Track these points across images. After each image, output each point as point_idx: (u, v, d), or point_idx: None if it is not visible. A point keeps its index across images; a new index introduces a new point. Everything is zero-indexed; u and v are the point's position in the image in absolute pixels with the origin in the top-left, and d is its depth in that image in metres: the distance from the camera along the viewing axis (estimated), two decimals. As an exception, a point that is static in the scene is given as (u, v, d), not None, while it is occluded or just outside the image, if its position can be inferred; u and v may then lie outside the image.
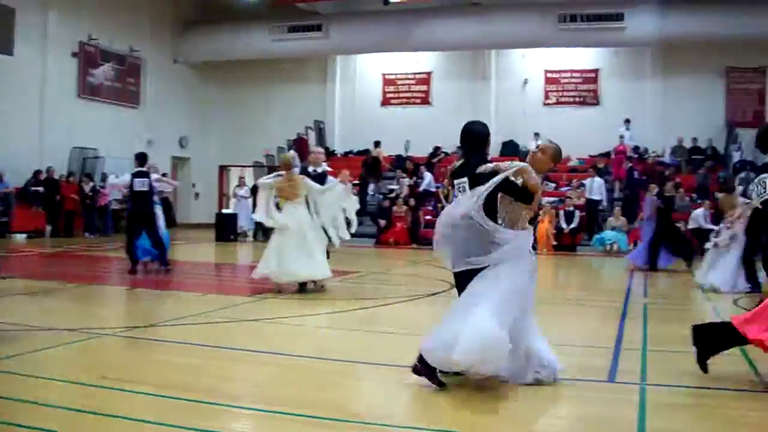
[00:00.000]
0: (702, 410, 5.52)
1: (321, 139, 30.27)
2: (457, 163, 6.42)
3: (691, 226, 21.66)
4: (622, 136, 26.43)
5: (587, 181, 24.27)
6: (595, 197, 23.75)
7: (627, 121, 26.41)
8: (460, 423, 5.23)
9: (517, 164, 6.04)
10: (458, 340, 5.58)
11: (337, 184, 11.70)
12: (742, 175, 24.00)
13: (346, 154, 29.72)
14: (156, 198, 14.36)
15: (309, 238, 11.20)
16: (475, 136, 6.33)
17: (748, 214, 12.30)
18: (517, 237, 6.00)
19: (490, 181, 5.84)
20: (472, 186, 6.00)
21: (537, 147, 6.46)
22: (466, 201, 5.91)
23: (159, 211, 14.42)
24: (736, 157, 25.24)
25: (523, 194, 5.99)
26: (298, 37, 28.58)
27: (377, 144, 28.25)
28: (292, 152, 17.83)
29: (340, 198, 11.70)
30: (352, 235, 11.95)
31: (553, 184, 25.70)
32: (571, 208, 22.65)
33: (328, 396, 5.78)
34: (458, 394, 5.80)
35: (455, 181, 6.24)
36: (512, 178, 5.95)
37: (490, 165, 6.01)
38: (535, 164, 6.22)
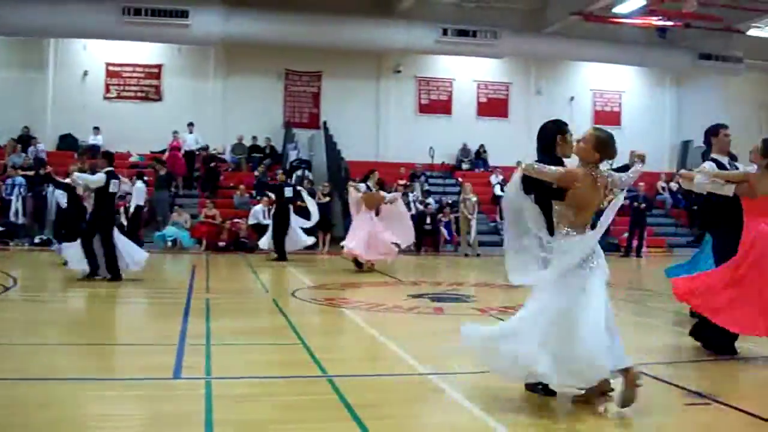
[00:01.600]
0: (261, 399, 5.73)
1: None
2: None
3: (251, 221, 22.51)
4: (176, 132, 26.32)
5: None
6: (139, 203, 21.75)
7: (191, 124, 26.44)
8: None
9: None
10: None
11: None
12: (299, 172, 25.39)
13: None
14: None
15: None
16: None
17: None
18: None
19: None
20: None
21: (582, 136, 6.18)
22: None
23: None
24: (292, 155, 26.59)
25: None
26: None
27: None
28: None
29: None
30: None
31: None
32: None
33: None
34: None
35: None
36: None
37: None
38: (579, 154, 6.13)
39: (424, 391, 6.20)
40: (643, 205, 24.08)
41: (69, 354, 7.39)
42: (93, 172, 14.31)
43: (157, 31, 25.36)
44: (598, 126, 6.52)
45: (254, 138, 27.60)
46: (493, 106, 30.59)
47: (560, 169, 5.89)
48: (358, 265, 16.64)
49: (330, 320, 9.91)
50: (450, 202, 25.24)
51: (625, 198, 6.60)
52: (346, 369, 6.81)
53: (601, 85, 31.82)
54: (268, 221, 22.47)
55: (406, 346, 7.66)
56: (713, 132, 8.17)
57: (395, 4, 27.05)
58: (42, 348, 7.64)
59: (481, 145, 29.45)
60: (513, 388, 6.14)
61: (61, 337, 8.44)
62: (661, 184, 29.75)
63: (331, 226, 23.76)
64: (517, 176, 5.82)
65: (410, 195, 25.04)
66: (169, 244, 21.89)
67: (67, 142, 26.66)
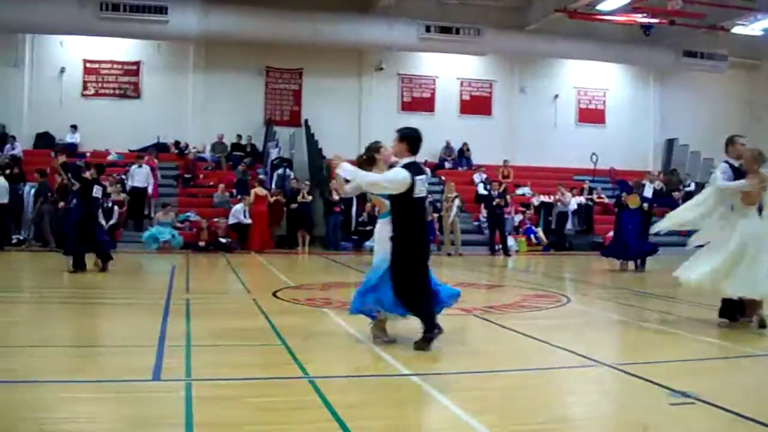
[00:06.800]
0: (242, 401, 5.72)
1: None
2: None
3: (231, 221, 22.43)
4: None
5: (132, 168, 23.63)
6: (140, 185, 23.41)
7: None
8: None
9: None
10: None
11: None
12: (280, 171, 25.31)
13: None
14: None
15: None
16: None
17: None
18: None
19: None
20: None
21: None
22: None
23: None
24: (273, 154, 26.51)
25: None
26: None
27: None
28: None
29: None
30: None
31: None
32: (110, 204, 21.94)
33: None
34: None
35: None
36: None
37: None
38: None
39: (409, 392, 6.20)
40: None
41: (44, 355, 7.32)
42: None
43: (135, 27, 25.27)
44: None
45: (239, 137, 27.49)
46: (477, 104, 30.65)
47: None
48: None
49: (311, 321, 9.89)
50: (432, 200, 25.23)
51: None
52: (328, 370, 6.81)
53: (585, 83, 31.94)
54: (248, 221, 22.48)
55: (388, 347, 7.68)
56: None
57: (376, 0, 27.09)
58: (16, 350, 7.62)
59: (465, 143, 29.47)
60: (502, 388, 6.18)
61: (37, 338, 8.37)
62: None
63: (312, 226, 23.75)
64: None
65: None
66: (154, 245, 21.58)
67: (43, 140, 26.51)
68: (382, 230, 7.89)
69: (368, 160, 8.26)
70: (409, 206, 7.72)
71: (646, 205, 18.28)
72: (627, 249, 18.12)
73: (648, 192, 18.61)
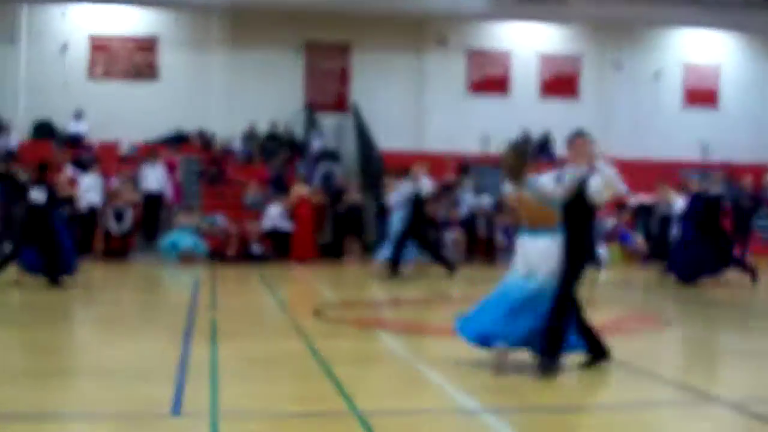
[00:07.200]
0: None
1: None
2: None
3: (265, 226, 22.53)
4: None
5: (143, 167, 23.38)
6: (153, 188, 23.06)
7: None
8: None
9: None
10: None
11: None
12: (323, 166, 25.29)
13: None
14: None
15: None
16: None
17: None
18: None
19: None
20: None
21: None
22: None
23: None
24: (316, 145, 26.49)
25: None
26: None
27: None
28: None
29: None
30: None
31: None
32: (120, 207, 22.16)
33: None
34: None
35: None
36: None
37: None
38: None
39: (475, 430, 6.20)
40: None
41: (45, 386, 7.41)
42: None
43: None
44: None
45: (274, 125, 27.58)
46: (560, 84, 30.45)
47: None
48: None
49: (360, 345, 9.92)
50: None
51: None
52: (380, 403, 6.82)
53: (693, 57, 31.51)
54: (287, 225, 22.54)
55: (453, 377, 7.67)
56: None
57: (439, -40, 27.14)
58: (11, 378, 7.68)
59: (546, 131, 29.25)
60: (592, 427, 6.14)
61: (35, 364, 8.51)
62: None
63: (362, 232, 23.72)
64: None
65: (460, 192, 24.93)
66: (173, 254, 21.49)
67: (43, 130, 26.79)
68: (547, 247, 8.04)
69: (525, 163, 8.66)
70: (590, 217, 8.37)
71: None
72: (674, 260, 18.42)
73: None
